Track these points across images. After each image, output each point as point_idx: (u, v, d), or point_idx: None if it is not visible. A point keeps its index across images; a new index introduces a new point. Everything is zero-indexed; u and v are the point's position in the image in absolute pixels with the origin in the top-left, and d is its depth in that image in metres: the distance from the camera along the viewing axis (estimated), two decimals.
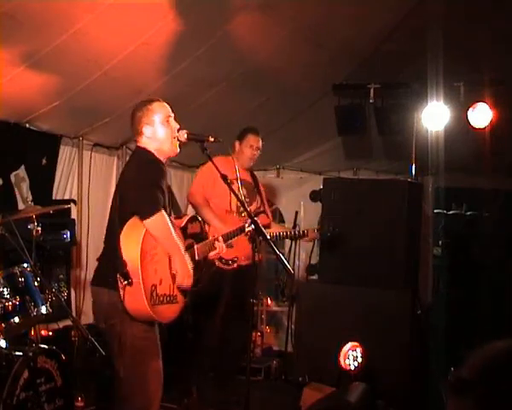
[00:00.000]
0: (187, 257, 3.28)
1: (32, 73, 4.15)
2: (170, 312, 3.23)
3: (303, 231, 5.24)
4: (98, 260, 3.37)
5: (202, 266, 3.47)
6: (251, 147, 5.08)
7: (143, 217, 3.05)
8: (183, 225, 3.38)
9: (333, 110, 5.83)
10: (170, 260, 3.22)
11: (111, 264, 3.12)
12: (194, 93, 5.08)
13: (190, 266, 3.29)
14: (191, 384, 4.85)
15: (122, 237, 3.08)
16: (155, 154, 3.33)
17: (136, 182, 3.18)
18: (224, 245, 3.60)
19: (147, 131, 3.31)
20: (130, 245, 3.05)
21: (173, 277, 3.23)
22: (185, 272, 3.24)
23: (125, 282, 3.00)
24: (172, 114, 3.38)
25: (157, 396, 3.26)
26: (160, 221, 3.08)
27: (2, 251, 4.04)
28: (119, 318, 3.12)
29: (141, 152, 3.36)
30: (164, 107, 3.37)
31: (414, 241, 5.54)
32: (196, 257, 3.41)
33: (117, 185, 3.47)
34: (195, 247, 3.43)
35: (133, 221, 3.10)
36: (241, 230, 3.85)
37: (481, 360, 1.37)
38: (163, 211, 3.10)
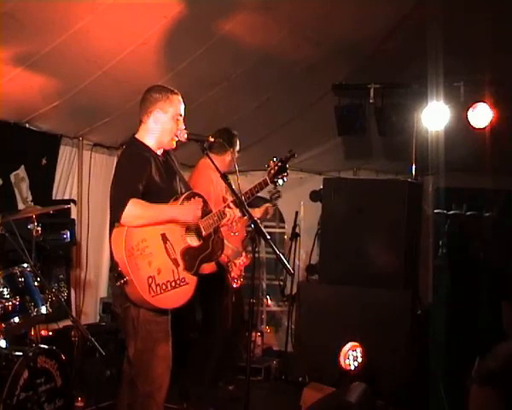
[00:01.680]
0: (184, 205, 3.33)
1: (32, 73, 4.15)
2: (179, 295, 3.26)
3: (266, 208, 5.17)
4: None
5: (213, 239, 3.47)
6: (238, 152, 4.91)
7: (117, 220, 3.12)
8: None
9: (333, 110, 5.83)
10: (166, 247, 3.24)
11: None
12: (194, 93, 5.07)
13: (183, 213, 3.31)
14: (190, 386, 4.84)
15: (111, 239, 3.17)
16: (148, 144, 3.35)
17: (111, 187, 3.26)
18: (237, 210, 3.53)
19: (157, 115, 3.33)
20: (117, 246, 3.13)
21: (175, 261, 3.26)
22: (186, 213, 3.30)
23: (122, 281, 3.08)
24: (183, 114, 3.40)
25: (164, 380, 3.29)
26: (131, 211, 3.10)
27: (2, 251, 4.04)
28: (131, 302, 3.20)
29: (127, 147, 3.43)
30: (180, 104, 3.40)
31: (414, 241, 5.54)
32: (203, 232, 3.42)
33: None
34: (199, 222, 3.42)
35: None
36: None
37: (507, 352, 1.38)
38: (132, 199, 3.10)
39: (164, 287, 3.18)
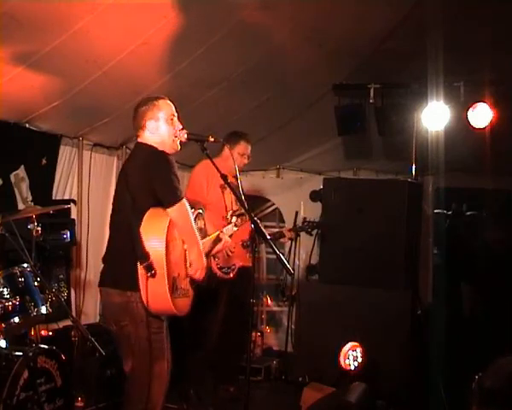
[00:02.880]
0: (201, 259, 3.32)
1: (31, 73, 4.14)
2: (184, 305, 3.24)
3: (279, 232, 5.24)
4: (103, 260, 3.36)
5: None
6: (242, 155, 4.89)
7: (169, 205, 3.07)
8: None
9: (333, 110, 5.82)
10: (185, 255, 3.24)
11: (118, 264, 3.14)
12: (195, 93, 5.07)
13: (204, 259, 3.32)
14: (190, 386, 4.84)
15: (142, 229, 3.05)
16: (158, 148, 3.33)
17: (157, 172, 3.16)
18: (228, 239, 3.66)
19: (150, 125, 3.32)
20: (154, 235, 3.03)
21: (186, 272, 3.25)
22: (200, 264, 3.27)
23: (149, 274, 2.98)
24: (176, 114, 3.40)
25: (160, 397, 3.27)
26: (184, 209, 3.12)
27: (2, 251, 4.04)
28: (129, 319, 3.14)
29: (146, 146, 3.34)
30: (169, 105, 3.39)
31: (414, 241, 5.54)
32: None
33: (122, 182, 3.35)
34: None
35: (152, 212, 3.09)
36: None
37: (505, 370, 1.32)
38: (185, 200, 3.13)
39: (179, 291, 3.15)
